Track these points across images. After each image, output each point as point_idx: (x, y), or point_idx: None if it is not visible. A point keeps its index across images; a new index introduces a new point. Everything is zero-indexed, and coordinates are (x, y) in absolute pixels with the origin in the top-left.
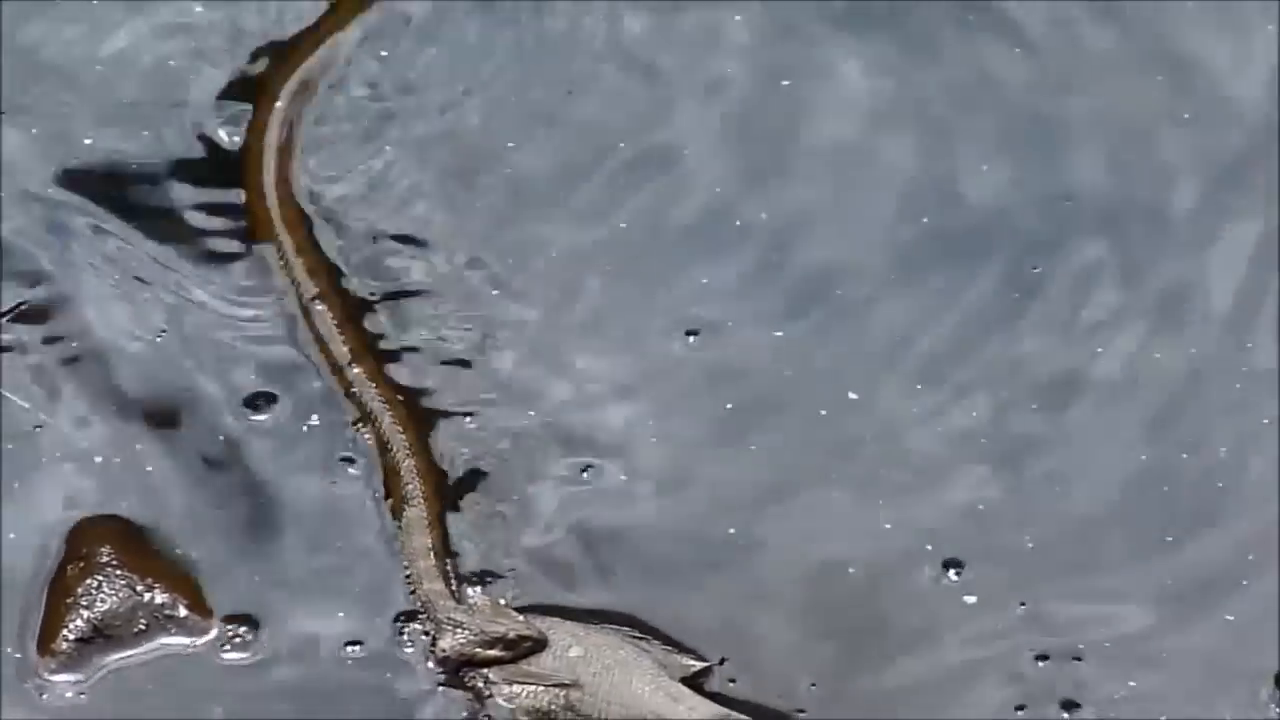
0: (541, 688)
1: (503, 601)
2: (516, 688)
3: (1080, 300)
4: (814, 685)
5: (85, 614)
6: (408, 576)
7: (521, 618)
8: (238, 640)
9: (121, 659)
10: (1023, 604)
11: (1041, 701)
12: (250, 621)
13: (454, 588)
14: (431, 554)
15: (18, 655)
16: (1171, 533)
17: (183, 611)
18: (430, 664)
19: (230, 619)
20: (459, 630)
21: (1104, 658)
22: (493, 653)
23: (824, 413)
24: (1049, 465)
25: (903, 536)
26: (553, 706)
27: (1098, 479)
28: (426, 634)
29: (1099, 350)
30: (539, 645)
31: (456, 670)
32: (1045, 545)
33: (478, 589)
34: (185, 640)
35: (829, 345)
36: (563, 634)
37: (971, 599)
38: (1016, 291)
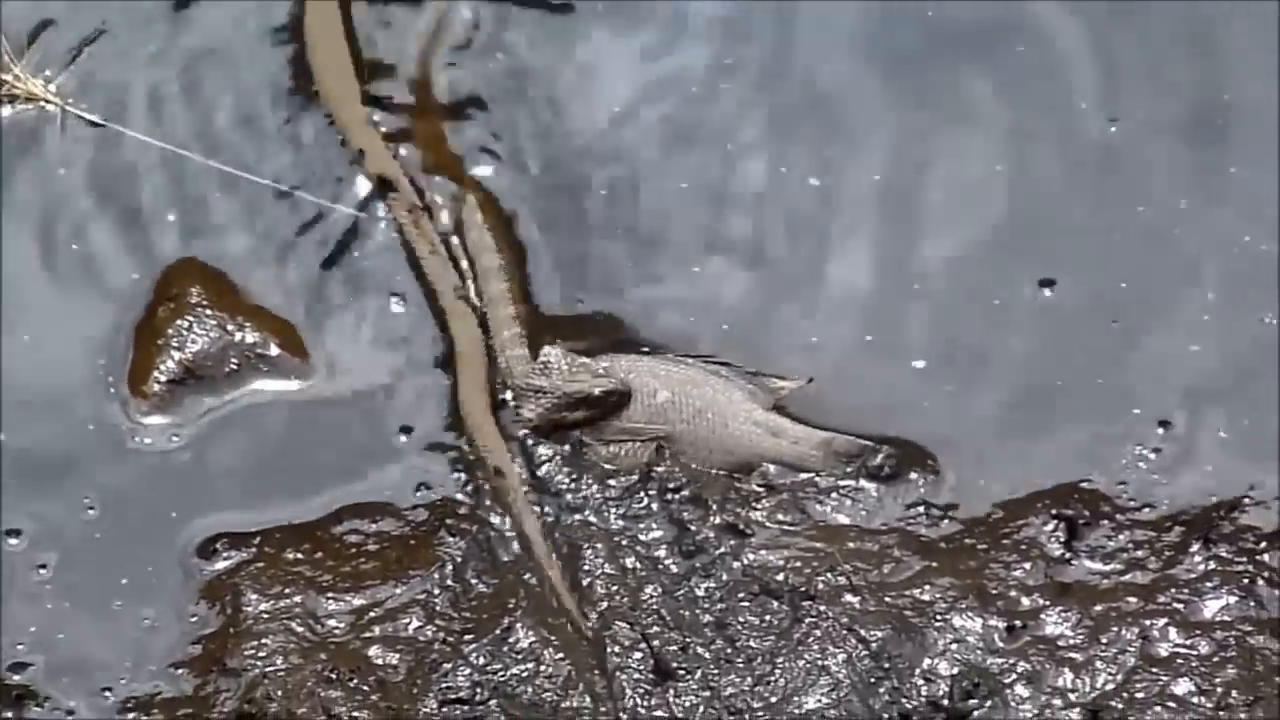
0: (639, 443)
1: (576, 353)
2: (614, 448)
3: None
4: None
5: (176, 355)
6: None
7: (600, 367)
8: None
9: (213, 400)
10: None
11: None
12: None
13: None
14: (515, 322)
15: (113, 398)
16: None
17: (274, 350)
18: (523, 431)
19: None
20: (540, 396)
21: None
22: (579, 414)
23: None
24: None
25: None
26: (654, 460)
27: None
28: (506, 404)
29: None
30: (624, 396)
31: (548, 435)
32: None
33: (550, 346)
34: (277, 379)
35: None
36: (645, 377)
37: None
38: None
